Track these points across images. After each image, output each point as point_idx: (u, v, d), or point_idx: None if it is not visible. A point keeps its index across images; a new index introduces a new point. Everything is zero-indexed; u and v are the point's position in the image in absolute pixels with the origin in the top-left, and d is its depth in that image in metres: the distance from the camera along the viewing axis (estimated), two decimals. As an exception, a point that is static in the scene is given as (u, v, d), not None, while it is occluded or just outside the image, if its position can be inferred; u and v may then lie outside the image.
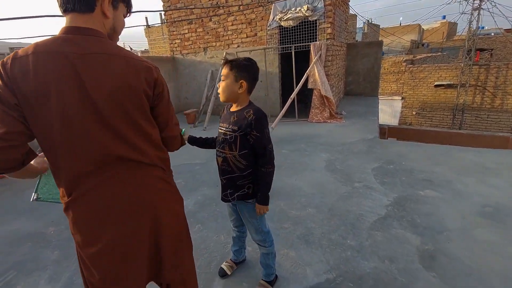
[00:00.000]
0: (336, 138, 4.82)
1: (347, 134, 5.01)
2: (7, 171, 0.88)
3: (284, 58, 6.57)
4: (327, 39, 5.62)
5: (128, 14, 1.05)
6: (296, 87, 5.61)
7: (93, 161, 0.89)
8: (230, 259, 1.94)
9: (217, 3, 6.40)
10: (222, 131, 1.49)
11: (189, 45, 7.15)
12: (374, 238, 2.19)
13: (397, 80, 12.94)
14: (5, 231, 2.55)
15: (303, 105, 7.12)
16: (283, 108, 5.48)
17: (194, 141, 1.69)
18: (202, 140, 1.69)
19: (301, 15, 5.46)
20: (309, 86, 5.92)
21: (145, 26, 18.96)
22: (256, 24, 6.14)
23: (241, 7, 6.15)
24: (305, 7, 5.38)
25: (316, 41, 5.72)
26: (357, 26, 19.89)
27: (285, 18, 5.65)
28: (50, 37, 0.88)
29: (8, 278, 1.96)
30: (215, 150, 1.56)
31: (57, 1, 0.88)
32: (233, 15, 6.30)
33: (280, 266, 1.93)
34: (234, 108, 1.48)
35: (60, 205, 0.98)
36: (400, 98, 12.73)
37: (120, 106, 0.89)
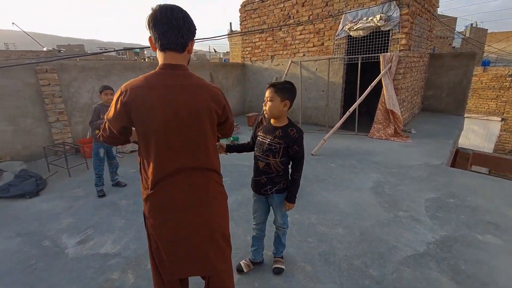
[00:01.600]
0: (395, 158, 4.44)
1: (409, 155, 4.56)
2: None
3: (351, 69, 6.34)
4: (400, 50, 5.19)
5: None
6: (359, 99, 5.37)
7: (175, 168, 1.21)
8: (249, 259, 2.15)
9: (288, 13, 6.62)
10: (266, 141, 1.80)
11: (259, 52, 7.60)
12: (401, 273, 2.05)
13: (497, 97, 10.67)
14: (93, 199, 3.35)
15: (368, 118, 6.72)
16: (339, 118, 5.33)
17: (232, 148, 1.98)
18: (240, 147, 2.00)
19: (373, 25, 5.20)
20: (387, 103, 5.57)
21: (228, 30, 20.87)
22: (324, 33, 6.11)
23: (311, 17, 6.22)
24: (378, 16, 5.10)
25: (387, 52, 5.35)
26: (458, 30, 17.17)
27: (355, 28, 5.47)
28: (153, 72, 1.19)
29: (88, 234, 2.62)
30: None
31: (157, 40, 1.17)
32: (302, 25, 6.41)
33: (293, 277, 2.03)
34: (276, 123, 1.80)
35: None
36: (500, 119, 10.50)
37: (199, 122, 1.20)
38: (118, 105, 1.16)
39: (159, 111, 1.14)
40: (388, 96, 5.21)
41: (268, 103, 1.73)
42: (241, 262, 2.12)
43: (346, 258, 2.22)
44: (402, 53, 5.19)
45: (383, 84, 5.25)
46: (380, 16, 5.06)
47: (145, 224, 1.36)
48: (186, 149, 1.21)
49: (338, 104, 6.29)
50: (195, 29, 1.23)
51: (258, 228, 2.05)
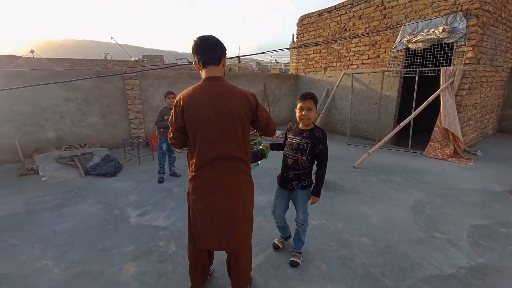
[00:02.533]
0: (447, 180, 4.10)
1: (466, 179, 4.14)
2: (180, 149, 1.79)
3: (409, 83, 6.01)
4: (465, 64, 4.77)
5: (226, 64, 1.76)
6: (413, 113, 5.08)
7: (213, 157, 1.58)
8: (280, 236, 2.51)
9: (344, 26, 6.68)
10: (295, 141, 2.10)
11: (312, 64, 7.78)
12: (418, 289, 2.02)
13: None
14: (154, 184, 4.05)
15: (426, 136, 6.21)
16: (395, 134, 5.12)
17: (274, 146, 2.28)
18: (280, 145, 2.30)
19: (434, 37, 4.91)
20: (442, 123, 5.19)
21: (290, 42, 21.55)
22: (380, 46, 5.98)
23: (367, 29, 6.17)
24: (440, 28, 4.81)
25: (449, 65, 4.96)
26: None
27: (414, 40, 5.24)
28: (199, 83, 1.60)
29: (146, 209, 3.25)
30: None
31: (199, 60, 1.58)
32: (358, 37, 6.39)
33: (307, 272, 2.20)
34: (304, 127, 2.11)
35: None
36: None
37: (231, 121, 1.55)
38: (176, 110, 1.60)
39: (201, 113, 1.53)
40: (445, 114, 4.81)
41: (309, 112, 2.03)
42: (275, 241, 2.49)
43: (364, 265, 2.27)
44: (468, 67, 4.75)
45: (441, 100, 4.87)
46: (443, 27, 4.76)
47: (187, 200, 1.75)
48: (221, 142, 1.56)
49: (392, 118, 6.02)
50: (226, 49, 1.62)
51: (279, 221, 2.38)
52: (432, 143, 5.26)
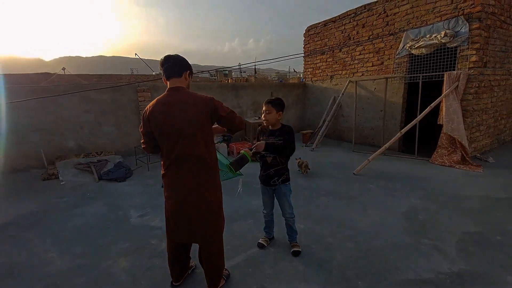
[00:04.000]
0: (451, 187, 3.97)
1: (470, 186, 3.99)
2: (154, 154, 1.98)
3: (415, 89, 5.91)
4: (469, 68, 4.65)
5: (191, 77, 1.96)
6: (415, 120, 4.99)
7: (176, 156, 1.77)
8: (265, 236, 2.68)
9: (348, 35, 6.75)
10: (270, 141, 2.30)
11: (319, 73, 7.87)
12: (391, 292, 2.03)
13: None
14: (159, 189, 4.31)
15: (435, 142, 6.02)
16: (401, 140, 5.04)
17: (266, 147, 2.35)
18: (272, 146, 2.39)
19: (436, 42, 4.85)
20: (439, 121, 5.06)
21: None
22: (384, 53, 5.97)
23: (371, 37, 6.19)
24: (442, 33, 4.75)
25: (453, 70, 4.85)
26: None
27: (416, 46, 5.20)
28: (163, 93, 1.82)
29: (146, 211, 3.50)
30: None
31: (163, 73, 1.82)
32: (361, 45, 6.43)
33: (282, 273, 2.28)
34: (273, 127, 2.35)
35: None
36: None
37: (192, 123, 1.73)
38: (143, 118, 1.83)
39: (162, 119, 1.74)
40: (448, 119, 4.68)
41: (268, 115, 2.28)
42: (260, 241, 2.64)
43: (341, 267, 2.31)
44: (472, 70, 4.63)
45: (444, 106, 4.75)
46: (445, 32, 4.70)
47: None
48: (182, 142, 1.74)
49: (397, 125, 5.92)
50: (188, 64, 1.85)
51: (268, 213, 2.58)
52: (439, 150, 5.10)
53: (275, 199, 2.54)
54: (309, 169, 4.72)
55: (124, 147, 6.04)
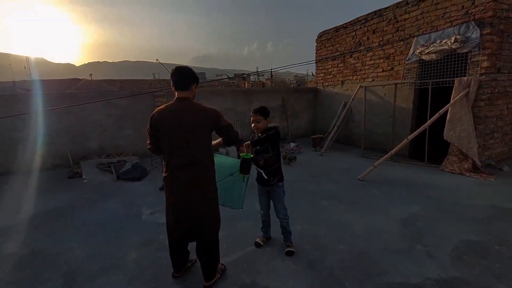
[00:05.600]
0: (457, 196, 3.92)
1: (477, 194, 3.91)
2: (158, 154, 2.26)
3: (425, 94, 5.83)
4: (481, 73, 4.55)
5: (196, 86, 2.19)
6: (422, 126, 4.94)
7: (178, 159, 1.99)
8: (262, 236, 2.85)
9: (359, 41, 6.78)
10: (257, 147, 2.48)
11: (330, 78, 7.93)
12: (375, 293, 2.12)
13: None
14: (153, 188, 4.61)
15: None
16: (410, 147, 5.01)
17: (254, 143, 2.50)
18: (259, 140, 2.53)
19: (446, 47, 4.80)
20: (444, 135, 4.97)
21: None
22: (394, 58, 5.95)
23: (381, 43, 6.19)
24: (452, 38, 4.70)
25: (465, 76, 4.77)
26: None
27: (426, 52, 5.16)
28: (171, 102, 2.07)
29: (157, 209, 3.78)
30: None
31: (172, 84, 2.06)
32: (372, 51, 6.44)
33: (276, 269, 2.43)
34: (260, 133, 2.47)
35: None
36: None
37: (195, 131, 1.97)
38: (151, 121, 2.07)
39: (169, 125, 1.98)
40: (450, 127, 4.60)
41: (258, 123, 2.48)
42: (257, 240, 2.81)
43: (331, 267, 2.43)
44: (484, 76, 4.53)
45: (449, 113, 4.68)
46: (456, 38, 4.64)
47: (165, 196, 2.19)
48: (185, 147, 1.96)
49: (407, 131, 5.84)
50: (194, 77, 2.07)
51: (265, 213, 2.76)
52: (449, 157, 5.01)
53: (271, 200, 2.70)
54: (294, 160, 5.84)
55: (141, 149, 6.45)
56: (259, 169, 2.54)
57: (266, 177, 2.49)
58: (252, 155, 2.28)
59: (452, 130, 4.68)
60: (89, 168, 5.51)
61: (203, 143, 2.01)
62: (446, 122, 4.79)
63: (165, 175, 2.06)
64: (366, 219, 3.30)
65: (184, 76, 2.04)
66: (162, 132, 2.01)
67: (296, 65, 8.54)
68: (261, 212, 2.78)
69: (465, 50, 4.65)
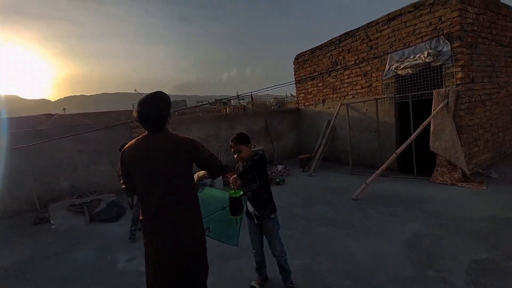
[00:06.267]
0: (453, 208, 3.78)
1: (473, 205, 3.80)
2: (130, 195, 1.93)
3: (406, 108, 5.92)
4: (457, 84, 4.67)
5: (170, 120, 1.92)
6: (407, 140, 4.92)
7: (154, 202, 1.67)
8: (257, 278, 2.48)
9: (335, 60, 6.93)
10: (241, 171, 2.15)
11: (311, 97, 7.98)
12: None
13: None
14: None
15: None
16: (398, 160, 4.93)
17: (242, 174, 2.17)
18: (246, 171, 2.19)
19: (420, 61, 4.94)
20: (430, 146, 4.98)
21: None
22: (371, 75, 6.07)
23: (357, 61, 6.34)
24: (425, 53, 4.85)
25: (442, 87, 4.88)
26: None
27: (402, 67, 5.29)
28: (142, 135, 1.76)
29: (136, 254, 3.32)
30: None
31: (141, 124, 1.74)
32: (349, 69, 6.57)
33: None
34: (245, 162, 2.23)
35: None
36: None
37: (173, 167, 1.67)
38: (121, 159, 1.77)
39: (137, 163, 1.69)
40: (435, 138, 4.63)
41: (240, 154, 2.24)
42: (253, 283, 2.43)
43: (340, 310, 2.11)
44: (460, 87, 4.64)
45: (432, 124, 4.71)
46: (428, 52, 4.79)
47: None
48: (160, 187, 1.65)
49: (394, 144, 5.82)
50: (167, 111, 1.73)
51: (258, 252, 2.40)
52: (438, 168, 4.96)
53: (264, 237, 2.38)
54: (282, 183, 5.80)
55: (119, 185, 5.95)
56: (248, 205, 2.25)
57: (257, 214, 2.20)
58: (241, 192, 1.96)
59: (437, 141, 4.68)
60: (58, 211, 4.93)
61: (181, 180, 1.71)
62: (430, 133, 4.80)
63: (141, 218, 1.74)
64: (367, 245, 3.03)
65: (153, 118, 1.68)
66: (132, 171, 1.73)
67: (276, 86, 8.51)
68: (254, 251, 2.42)
69: (439, 63, 4.79)
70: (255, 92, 6.75)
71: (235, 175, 2.03)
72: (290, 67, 8.42)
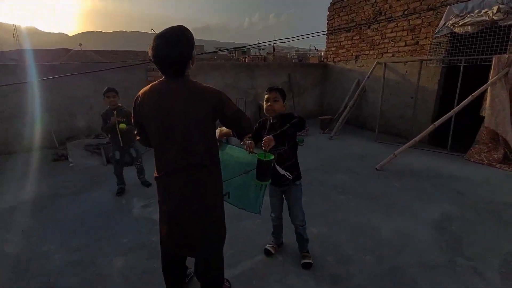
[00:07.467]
0: (489, 191, 3.47)
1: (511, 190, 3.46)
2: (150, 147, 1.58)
3: (455, 74, 5.18)
4: (526, 51, 3.91)
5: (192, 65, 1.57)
6: (452, 111, 4.37)
7: (170, 160, 1.44)
8: (273, 242, 2.40)
9: (380, 9, 5.96)
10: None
11: (343, 52, 7.16)
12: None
13: None
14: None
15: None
16: (430, 132, 4.47)
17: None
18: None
19: (486, 18, 4.09)
20: (481, 113, 4.42)
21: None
22: (420, 30, 5.21)
23: (406, 12, 5.41)
24: (495, 8, 3.98)
25: (505, 53, 4.12)
26: None
27: (460, 23, 4.44)
28: (160, 80, 1.46)
29: (150, 202, 3.32)
30: None
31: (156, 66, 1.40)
32: (394, 21, 5.66)
33: (291, 287, 2.01)
34: (275, 120, 2.01)
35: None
36: None
37: (194, 122, 1.39)
38: (134, 106, 1.51)
39: (155, 111, 1.41)
40: (492, 112, 4.03)
41: (275, 103, 1.96)
42: (267, 247, 2.36)
43: (358, 286, 2.01)
44: (530, 54, 3.89)
45: (489, 95, 4.09)
46: (499, 7, 3.93)
47: None
48: (177, 144, 1.41)
49: (430, 114, 5.28)
50: (191, 50, 1.41)
51: (277, 217, 2.29)
52: (477, 145, 4.50)
53: (285, 201, 2.22)
54: (302, 143, 5.53)
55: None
56: (278, 168, 1.96)
57: (290, 176, 1.91)
58: (272, 156, 1.68)
59: (495, 115, 4.11)
60: (75, 150, 4.98)
61: (202, 138, 1.45)
62: (487, 106, 4.21)
63: (155, 176, 1.54)
64: (391, 221, 2.85)
65: (173, 59, 1.34)
66: (146, 122, 1.47)
67: (302, 36, 7.60)
68: (272, 215, 2.31)
69: (509, 23, 3.95)
70: (278, 41, 6.00)
71: (270, 136, 1.74)
72: (317, 20, 7.40)
